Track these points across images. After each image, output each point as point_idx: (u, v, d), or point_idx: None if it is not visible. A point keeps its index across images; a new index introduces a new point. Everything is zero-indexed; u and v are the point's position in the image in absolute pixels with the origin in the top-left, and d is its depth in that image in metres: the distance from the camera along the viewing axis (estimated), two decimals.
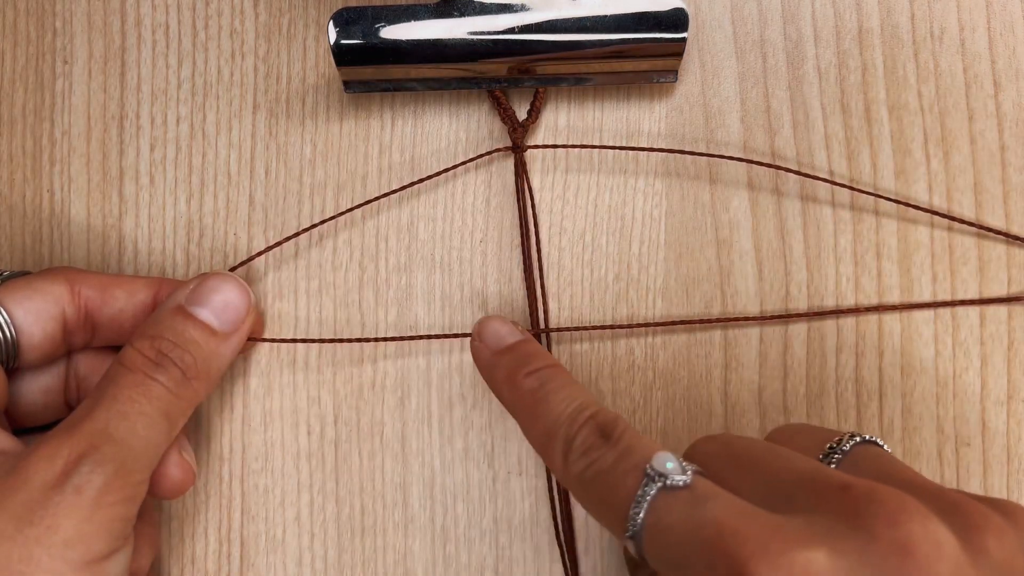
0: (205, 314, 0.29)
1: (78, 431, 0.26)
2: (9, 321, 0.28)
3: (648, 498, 0.22)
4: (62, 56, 0.34)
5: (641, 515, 0.22)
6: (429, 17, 0.30)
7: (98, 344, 0.31)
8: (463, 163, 0.33)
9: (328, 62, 0.33)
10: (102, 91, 0.34)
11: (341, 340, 0.33)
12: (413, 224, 0.33)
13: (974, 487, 0.32)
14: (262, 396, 0.33)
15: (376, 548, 0.33)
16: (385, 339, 0.33)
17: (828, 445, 0.25)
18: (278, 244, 0.32)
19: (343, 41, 0.30)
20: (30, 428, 0.31)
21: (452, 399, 0.33)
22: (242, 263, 0.32)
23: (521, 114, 0.33)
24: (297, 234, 0.33)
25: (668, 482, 0.22)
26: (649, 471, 0.22)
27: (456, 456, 0.33)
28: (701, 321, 0.32)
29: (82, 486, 0.25)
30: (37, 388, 0.30)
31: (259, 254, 0.33)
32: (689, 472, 0.22)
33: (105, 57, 0.34)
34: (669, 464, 0.23)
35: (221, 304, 0.30)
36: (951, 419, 0.32)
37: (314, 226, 0.33)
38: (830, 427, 0.32)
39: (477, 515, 0.33)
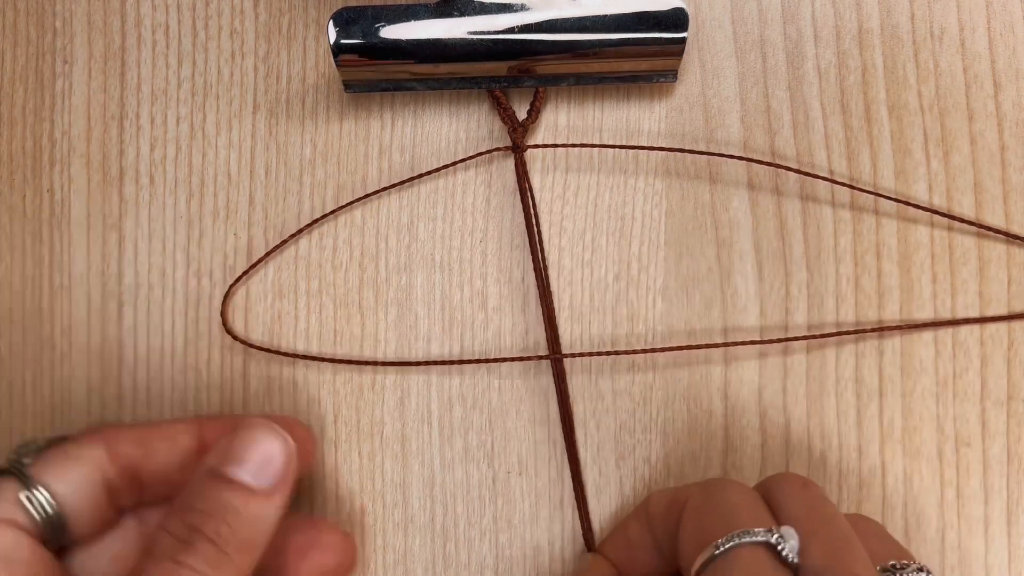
0: (240, 474, 0.26)
1: None
2: (50, 498, 0.26)
3: (751, 538, 0.23)
4: (62, 56, 0.34)
5: (729, 546, 0.23)
6: (429, 17, 0.30)
7: (151, 500, 0.29)
8: (463, 160, 0.33)
9: (328, 62, 0.33)
10: (102, 91, 0.34)
11: (336, 360, 0.33)
12: (413, 224, 0.33)
13: (974, 487, 0.32)
14: (262, 396, 0.33)
15: (376, 548, 0.33)
16: (383, 362, 0.33)
17: (891, 563, 0.25)
18: (278, 247, 0.33)
19: (343, 41, 0.30)
20: None
21: (452, 399, 0.33)
22: (246, 272, 0.32)
23: (521, 114, 0.33)
24: (297, 233, 0.33)
25: (780, 546, 0.23)
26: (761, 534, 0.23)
27: (456, 456, 0.33)
28: (702, 346, 0.32)
29: None
30: (105, 560, 0.28)
31: (260, 261, 0.32)
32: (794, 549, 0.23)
33: (105, 57, 0.34)
34: (793, 541, 0.23)
35: (259, 460, 0.26)
36: (951, 419, 0.32)
37: (313, 223, 0.33)
38: (829, 430, 0.32)
39: (477, 515, 0.33)
